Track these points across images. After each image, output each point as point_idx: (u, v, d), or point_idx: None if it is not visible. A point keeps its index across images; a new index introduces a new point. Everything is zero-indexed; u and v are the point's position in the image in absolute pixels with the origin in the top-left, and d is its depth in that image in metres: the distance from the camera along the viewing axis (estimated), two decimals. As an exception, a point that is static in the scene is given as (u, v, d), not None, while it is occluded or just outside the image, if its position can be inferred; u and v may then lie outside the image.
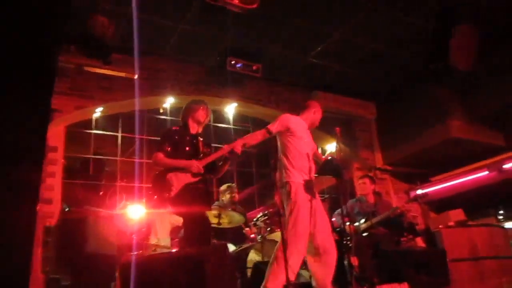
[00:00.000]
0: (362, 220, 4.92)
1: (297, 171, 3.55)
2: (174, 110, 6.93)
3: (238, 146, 3.40)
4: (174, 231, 6.01)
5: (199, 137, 3.61)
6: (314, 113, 3.94)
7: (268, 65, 6.70)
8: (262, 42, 6.41)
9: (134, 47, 4.83)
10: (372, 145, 8.21)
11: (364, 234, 4.73)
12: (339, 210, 4.82)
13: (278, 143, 3.73)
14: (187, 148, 3.47)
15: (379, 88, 7.83)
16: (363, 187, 5.20)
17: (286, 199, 3.41)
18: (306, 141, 3.76)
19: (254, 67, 6.54)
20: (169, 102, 6.82)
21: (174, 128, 3.69)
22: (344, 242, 3.41)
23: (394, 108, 7.95)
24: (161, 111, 6.84)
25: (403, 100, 7.79)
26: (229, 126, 7.18)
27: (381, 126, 8.29)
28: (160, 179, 3.38)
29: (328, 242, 3.46)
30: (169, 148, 3.45)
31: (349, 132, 8.05)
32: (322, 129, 7.42)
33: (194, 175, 3.34)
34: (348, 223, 3.86)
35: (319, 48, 6.70)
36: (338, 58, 6.99)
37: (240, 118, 7.44)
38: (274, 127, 3.63)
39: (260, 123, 6.62)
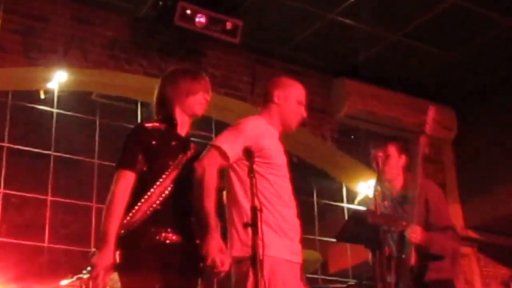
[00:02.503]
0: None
1: (280, 236, 3.57)
2: (66, 97, 6.82)
3: (226, 263, 3.39)
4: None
5: (191, 144, 3.71)
6: (291, 103, 3.91)
7: (254, 24, 6.59)
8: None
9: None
10: (444, 188, 7.76)
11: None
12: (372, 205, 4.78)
13: (233, 178, 3.73)
14: (170, 163, 3.49)
15: (463, 85, 7.82)
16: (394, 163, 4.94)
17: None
18: (286, 173, 3.77)
19: (229, 25, 6.45)
20: (57, 80, 6.60)
21: (150, 125, 3.64)
22: None
23: (489, 123, 7.99)
24: (42, 96, 6.73)
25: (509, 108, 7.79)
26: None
27: (465, 155, 8.30)
28: None
29: None
30: (145, 166, 3.48)
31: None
32: (350, 152, 7.44)
33: None
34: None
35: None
36: (388, 20, 6.90)
37: (196, 120, 7.15)
38: (237, 146, 3.57)
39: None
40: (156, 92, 3.73)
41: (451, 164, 8.34)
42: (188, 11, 6.28)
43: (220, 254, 3.29)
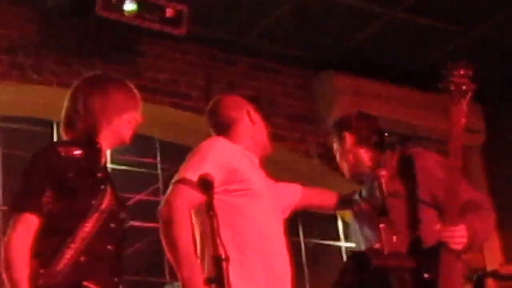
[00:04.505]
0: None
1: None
2: None
3: None
4: None
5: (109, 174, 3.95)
6: (254, 123, 4.14)
7: (204, 8, 6.85)
8: None
9: None
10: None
11: None
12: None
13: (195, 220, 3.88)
14: (92, 202, 3.51)
15: (492, 75, 7.80)
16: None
17: None
18: (269, 208, 3.94)
19: (170, 12, 6.73)
20: None
21: (65, 150, 3.58)
22: None
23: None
24: None
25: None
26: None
27: (498, 165, 8.54)
28: None
29: None
30: (49, 202, 3.39)
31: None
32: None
33: None
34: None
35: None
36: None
37: (136, 143, 7.24)
38: (212, 170, 3.59)
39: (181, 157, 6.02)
40: (71, 102, 3.60)
41: (482, 178, 8.43)
42: (114, -5, 6.64)
43: None
